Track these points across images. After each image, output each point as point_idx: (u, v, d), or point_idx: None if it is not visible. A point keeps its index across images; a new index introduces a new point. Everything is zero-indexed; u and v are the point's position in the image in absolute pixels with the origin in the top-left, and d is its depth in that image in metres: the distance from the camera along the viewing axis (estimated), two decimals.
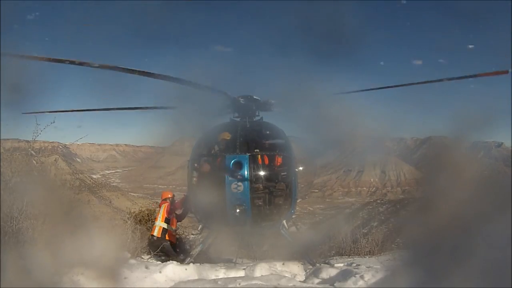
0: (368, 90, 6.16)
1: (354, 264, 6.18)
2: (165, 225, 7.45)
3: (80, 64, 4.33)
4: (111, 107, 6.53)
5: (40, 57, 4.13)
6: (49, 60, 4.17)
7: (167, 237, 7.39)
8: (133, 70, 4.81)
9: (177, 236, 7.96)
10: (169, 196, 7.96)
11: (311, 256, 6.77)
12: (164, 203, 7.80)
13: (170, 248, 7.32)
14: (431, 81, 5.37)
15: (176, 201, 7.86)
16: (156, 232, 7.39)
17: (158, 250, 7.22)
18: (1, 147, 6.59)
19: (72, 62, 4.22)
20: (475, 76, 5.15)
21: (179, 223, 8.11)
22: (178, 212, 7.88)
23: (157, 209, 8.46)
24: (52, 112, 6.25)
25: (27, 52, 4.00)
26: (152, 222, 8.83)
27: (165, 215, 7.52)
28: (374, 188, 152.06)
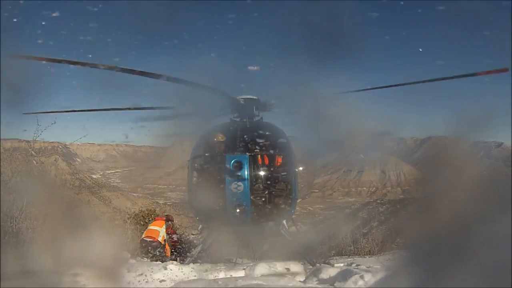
0: (371, 89, 6.25)
1: (354, 264, 6.18)
2: (167, 237, 7.59)
3: (78, 64, 4.32)
4: (110, 108, 6.50)
5: (41, 57, 4.12)
6: (50, 60, 4.15)
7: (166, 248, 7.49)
8: (132, 70, 4.78)
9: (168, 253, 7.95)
10: (171, 221, 8.16)
11: (311, 256, 6.77)
12: (166, 223, 7.93)
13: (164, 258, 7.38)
14: (430, 80, 5.36)
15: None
16: (161, 238, 7.47)
17: (154, 254, 7.28)
18: (1, 147, 6.60)
19: (71, 63, 4.20)
20: (474, 75, 5.18)
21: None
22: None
23: (159, 217, 8.69)
24: (52, 113, 6.25)
25: (28, 52, 3.99)
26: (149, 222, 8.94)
27: (167, 232, 7.70)
28: (374, 188, 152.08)
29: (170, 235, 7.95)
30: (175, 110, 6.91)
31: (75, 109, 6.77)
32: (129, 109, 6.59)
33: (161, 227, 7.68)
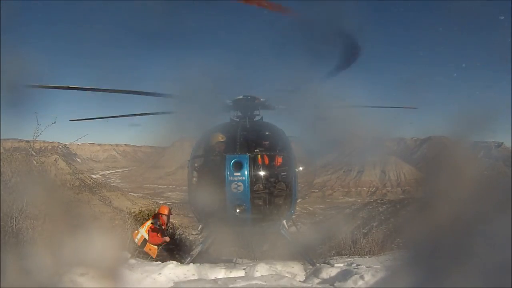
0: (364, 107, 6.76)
1: (354, 264, 6.18)
2: (146, 236, 7.43)
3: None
4: (110, 89, 6.28)
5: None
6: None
7: (145, 249, 7.36)
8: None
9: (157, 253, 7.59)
10: (165, 213, 7.91)
11: (311, 256, 6.76)
12: (153, 219, 7.77)
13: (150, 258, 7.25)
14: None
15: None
16: (137, 240, 7.40)
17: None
18: (1, 147, 6.60)
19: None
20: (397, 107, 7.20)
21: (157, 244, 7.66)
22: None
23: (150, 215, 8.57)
24: (53, 88, 6.03)
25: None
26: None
27: (148, 228, 7.52)
28: (374, 188, 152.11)
29: (165, 228, 7.65)
30: (175, 103, 6.84)
31: (74, 86, 6.46)
32: (130, 92, 6.38)
33: (142, 228, 7.56)
